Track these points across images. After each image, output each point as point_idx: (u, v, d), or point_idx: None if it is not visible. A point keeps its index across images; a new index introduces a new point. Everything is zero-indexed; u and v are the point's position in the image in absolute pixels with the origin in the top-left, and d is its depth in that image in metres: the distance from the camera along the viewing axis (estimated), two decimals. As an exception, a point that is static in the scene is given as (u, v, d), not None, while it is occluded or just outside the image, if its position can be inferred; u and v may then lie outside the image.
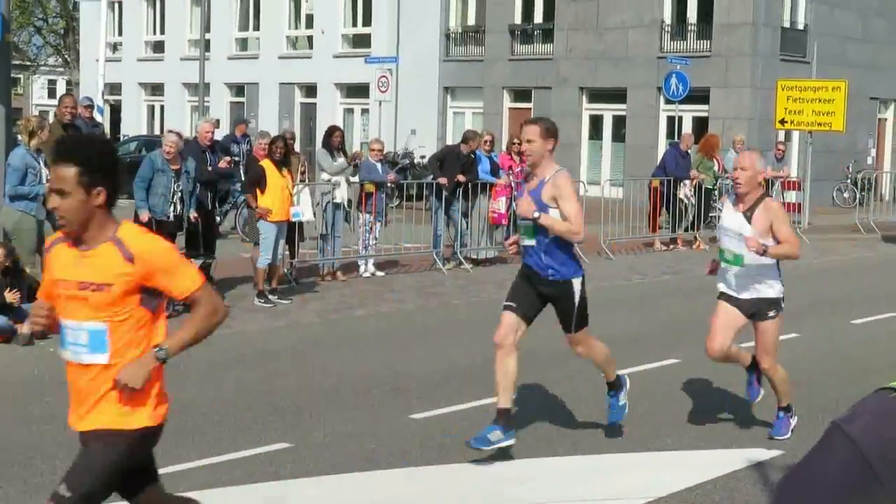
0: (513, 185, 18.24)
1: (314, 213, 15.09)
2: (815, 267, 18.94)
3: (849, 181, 31.47)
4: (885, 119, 35.77)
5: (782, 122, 24.79)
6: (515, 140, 19.15)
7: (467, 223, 17.25)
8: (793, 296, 15.31)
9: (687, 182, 20.72)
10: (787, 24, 31.68)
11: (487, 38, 35.49)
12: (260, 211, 13.35)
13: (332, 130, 15.99)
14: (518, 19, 35.21)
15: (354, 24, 37.77)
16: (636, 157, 30.86)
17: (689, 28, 31.83)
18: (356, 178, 16.05)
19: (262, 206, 13.33)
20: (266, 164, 13.54)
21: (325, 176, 15.45)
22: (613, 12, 32.55)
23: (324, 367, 10.26)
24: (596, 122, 33.78)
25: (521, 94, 35.06)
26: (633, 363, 10.40)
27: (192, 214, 13.15)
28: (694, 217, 20.92)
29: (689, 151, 21.29)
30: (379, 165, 16.40)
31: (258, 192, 13.42)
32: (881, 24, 34.39)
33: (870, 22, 33.97)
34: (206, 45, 34.35)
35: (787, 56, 30.97)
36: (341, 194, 15.39)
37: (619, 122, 33.01)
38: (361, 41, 37.01)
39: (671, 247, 20.59)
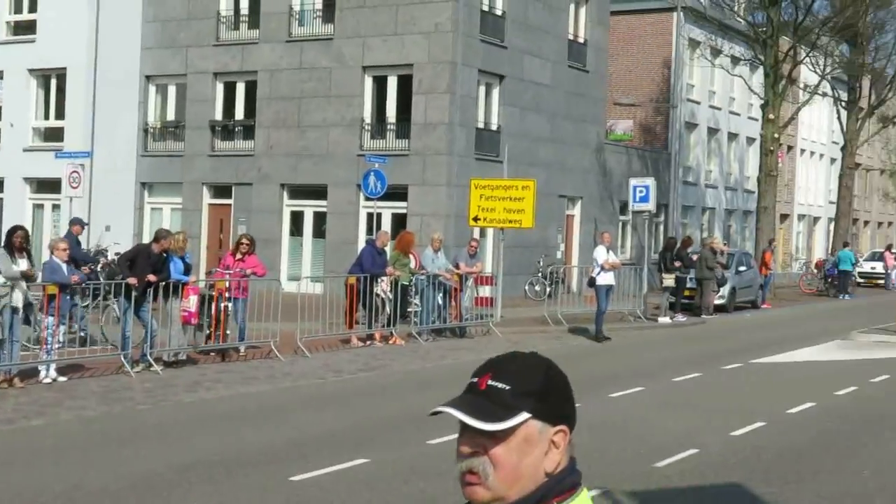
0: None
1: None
2: (506, 360, 19.47)
3: (540, 275, 32.85)
4: (573, 215, 37.69)
5: (476, 219, 25.63)
6: (244, 240, 19.18)
7: (158, 323, 16.72)
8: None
9: (384, 278, 20.99)
10: (481, 125, 32.97)
11: (187, 133, 35.10)
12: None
13: (13, 230, 15.27)
14: (219, 115, 35.03)
15: (46, 118, 36.44)
16: (337, 254, 31.09)
17: (389, 127, 32.61)
18: (38, 280, 15.32)
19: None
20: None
21: (0, 279, 14.63)
22: (315, 111, 32.93)
23: (-10, 484, 9.57)
24: (297, 218, 33.85)
25: (222, 190, 34.74)
26: (322, 464, 10.27)
27: None
28: (391, 313, 21.17)
29: (386, 248, 21.63)
30: (64, 266, 15.72)
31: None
32: (568, 127, 36.39)
33: (557, 124, 35.88)
34: None
35: (482, 155, 32.19)
36: (19, 297, 14.61)
37: (319, 219, 33.22)
38: (54, 135, 35.70)
39: (368, 343, 20.71)
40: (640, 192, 28.87)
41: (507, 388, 2.15)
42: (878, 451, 11.80)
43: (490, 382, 2.17)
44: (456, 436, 2.19)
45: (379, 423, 12.87)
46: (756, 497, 9.56)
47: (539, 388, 2.17)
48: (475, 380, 2.20)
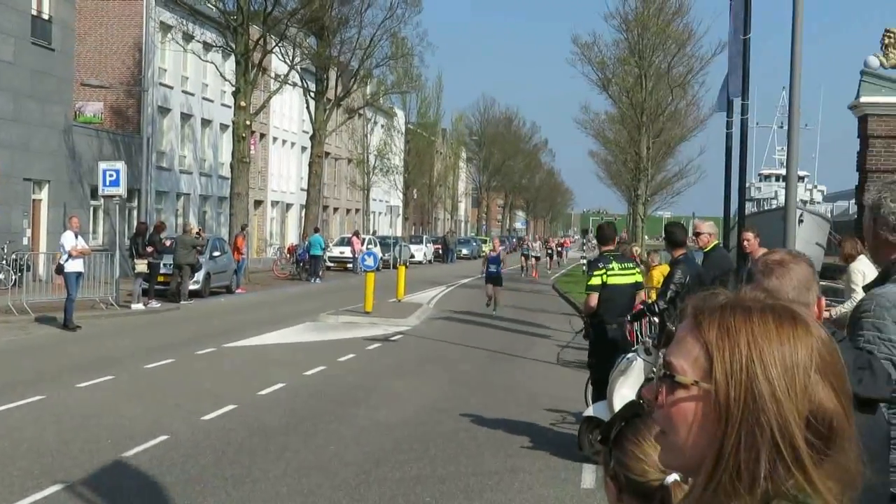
0: None
1: None
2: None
3: (4, 262, 30.91)
4: (40, 200, 35.84)
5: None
6: None
7: None
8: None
9: None
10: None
11: None
12: None
13: None
14: None
15: None
16: None
17: None
18: None
19: None
20: None
21: None
22: None
23: None
24: None
25: None
26: None
27: None
28: None
29: None
30: None
31: None
32: (33, 107, 34.53)
33: (21, 104, 33.90)
34: None
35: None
36: None
37: None
38: None
39: None
40: (111, 175, 28.04)
41: None
42: (342, 427, 12.23)
43: None
44: None
45: None
46: (225, 478, 9.54)
47: None
48: None
